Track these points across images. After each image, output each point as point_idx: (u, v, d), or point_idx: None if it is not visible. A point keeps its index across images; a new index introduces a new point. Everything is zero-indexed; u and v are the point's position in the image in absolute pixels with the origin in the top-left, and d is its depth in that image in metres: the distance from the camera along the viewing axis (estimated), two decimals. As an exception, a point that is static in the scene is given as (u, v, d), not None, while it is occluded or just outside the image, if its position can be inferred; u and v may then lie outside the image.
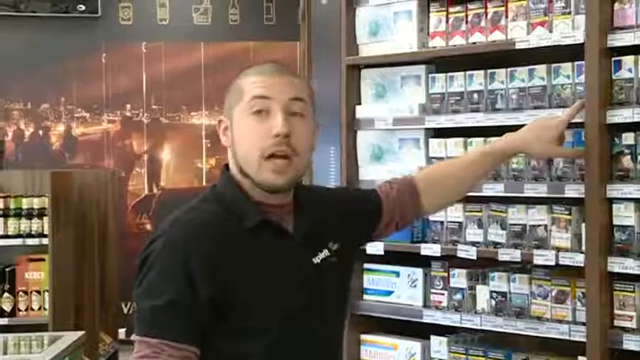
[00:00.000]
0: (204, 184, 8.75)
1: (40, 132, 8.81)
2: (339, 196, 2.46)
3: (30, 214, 6.10)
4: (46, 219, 6.10)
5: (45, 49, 8.57)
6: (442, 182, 2.64)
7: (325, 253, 2.21)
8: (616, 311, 2.88)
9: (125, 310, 8.50)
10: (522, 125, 3.07)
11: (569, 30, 2.97)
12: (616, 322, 2.88)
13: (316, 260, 2.19)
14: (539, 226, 3.06)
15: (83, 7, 8.63)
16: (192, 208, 2.13)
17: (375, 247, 3.43)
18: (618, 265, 2.85)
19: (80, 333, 4.81)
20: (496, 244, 3.16)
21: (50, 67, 8.64)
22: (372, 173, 3.51)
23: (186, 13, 8.97)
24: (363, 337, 3.52)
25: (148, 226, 8.90)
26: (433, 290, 3.34)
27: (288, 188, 2.15)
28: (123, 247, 8.11)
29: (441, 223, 3.31)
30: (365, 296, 3.53)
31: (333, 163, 3.81)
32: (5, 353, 4.54)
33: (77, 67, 8.71)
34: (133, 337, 2.04)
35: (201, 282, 2.01)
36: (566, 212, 3.00)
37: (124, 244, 8.20)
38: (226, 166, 2.20)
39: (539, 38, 3.04)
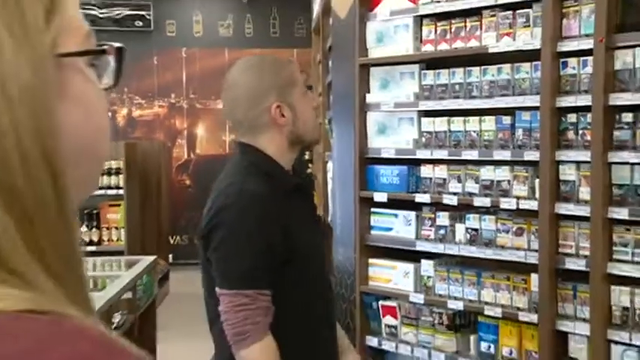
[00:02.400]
0: (226, 151, 8.64)
1: (110, 114, 8.63)
2: None
3: (109, 173, 6.05)
4: (121, 176, 6.05)
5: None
6: None
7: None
8: (560, 242, 2.86)
9: (172, 242, 8.43)
10: (494, 109, 3.03)
11: (529, 39, 2.91)
12: (560, 250, 2.86)
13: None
14: (503, 181, 3.01)
15: (140, 23, 8.53)
16: (244, 182, 1.86)
17: (380, 196, 3.37)
18: (563, 208, 2.82)
19: (153, 257, 4.72)
20: (471, 194, 3.11)
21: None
22: (378, 144, 3.43)
23: (214, 28, 8.84)
24: (371, 260, 3.47)
25: (187, 182, 8.80)
26: (424, 227, 3.29)
27: None
28: (170, 197, 8.06)
29: (430, 179, 3.25)
30: (372, 232, 3.47)
31: (348, 136, 3.72)
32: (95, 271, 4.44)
33: (137, 67, 8.56)
34: (222, 291, 1.81)
35: (279, 235, 1.84)
36: (525, 171, 2.96)
37: (171, 195, 8.16)
38: (245, 145, 1.95)
39: (506, 45, 2.97)
